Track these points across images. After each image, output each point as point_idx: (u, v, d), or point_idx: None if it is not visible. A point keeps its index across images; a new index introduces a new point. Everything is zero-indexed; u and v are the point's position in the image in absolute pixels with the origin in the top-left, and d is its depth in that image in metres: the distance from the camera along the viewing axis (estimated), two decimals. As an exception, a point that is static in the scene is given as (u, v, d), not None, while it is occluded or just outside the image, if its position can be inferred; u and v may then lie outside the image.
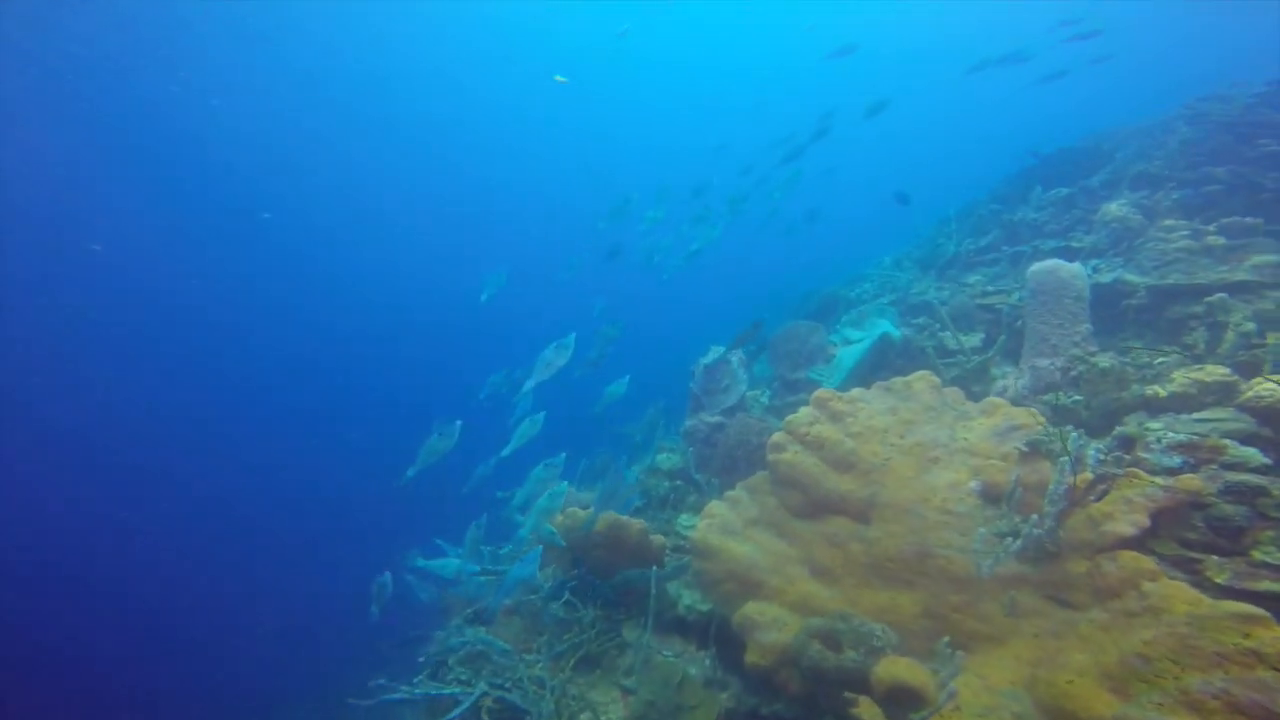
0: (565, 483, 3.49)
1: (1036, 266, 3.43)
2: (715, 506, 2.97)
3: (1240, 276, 3.45)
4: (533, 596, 3.56)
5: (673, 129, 31.13)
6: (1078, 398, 2.94)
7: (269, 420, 22.84)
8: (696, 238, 6.46)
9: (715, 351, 3.99)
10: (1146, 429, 2.44)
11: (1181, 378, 2.70)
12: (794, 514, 2.88)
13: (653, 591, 2.87)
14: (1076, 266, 3.40)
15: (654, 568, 2.97)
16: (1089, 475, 2.13)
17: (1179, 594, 1.57)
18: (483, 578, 4.51)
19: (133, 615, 13.16)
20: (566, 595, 3.49)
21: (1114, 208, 4.49)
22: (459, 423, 3.58)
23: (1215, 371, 2.65)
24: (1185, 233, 4.09)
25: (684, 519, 3.60)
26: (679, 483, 3.89)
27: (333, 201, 29.89)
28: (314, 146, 26.74)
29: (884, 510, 2.63)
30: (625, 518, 3.25)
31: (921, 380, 2.96)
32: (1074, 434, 2.19)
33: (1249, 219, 4.03)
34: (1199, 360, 2.92)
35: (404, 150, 29.67)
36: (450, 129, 29.32)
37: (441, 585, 4.40)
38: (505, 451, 3.96)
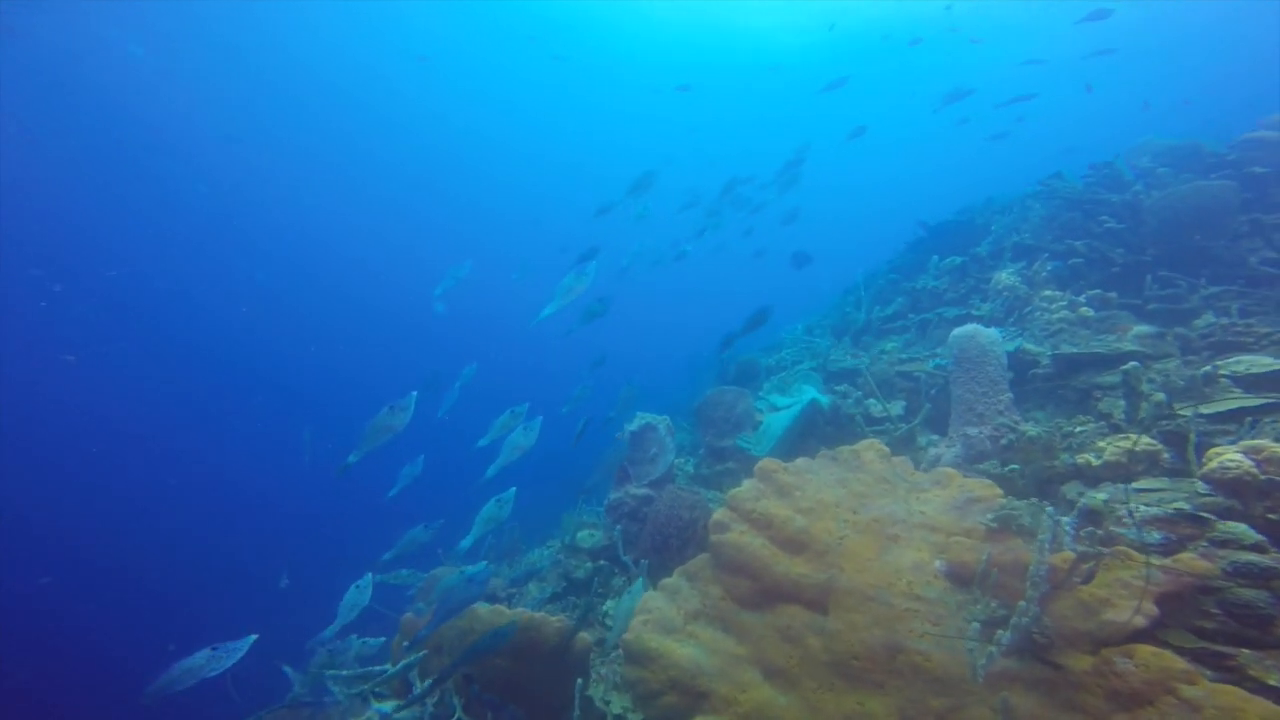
0: (513, 488, 3.05)
1: (958, 332, 3.44)
2: (651, 599, 2.54)
3: (1128, 347, 3.67)
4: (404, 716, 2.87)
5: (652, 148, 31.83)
6: (1014, 466, 2.87)
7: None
8: (699, 234, 6.41)
9: (642, 418, 3.64)
10: (1096, 499, 2.36)
11: (1111, 447, 2.70)
12: (741, 604, 2.51)
13: (577, 713, 2.34)
14: (994, 332, 3.45)
15: (579, 679, 2.45)
16: (1069, 554, 1.96)
17: (1242, 704, 1.34)
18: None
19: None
20: (458, 714, 2.85)
21: (1004, 276, 4.73)
22: (414, 394, 3.01)
23: (1142, 441, 2.68)
24: (1064, 303, 4.36)
25: (610, 606, 3.11)
26: (603, 563, 3.39)
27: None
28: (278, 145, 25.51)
29: (844, 597, 2.33)
30: (540, 615, 2.72)
31: (870, 449, 2.76)
32: (1048, 508, 2.03)
33: (1108, 293, 4.38)
34: (1118, 429, 2.97)
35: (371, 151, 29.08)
36: (418, 129, 28.99)
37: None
38: (491, 471, 3.48)
